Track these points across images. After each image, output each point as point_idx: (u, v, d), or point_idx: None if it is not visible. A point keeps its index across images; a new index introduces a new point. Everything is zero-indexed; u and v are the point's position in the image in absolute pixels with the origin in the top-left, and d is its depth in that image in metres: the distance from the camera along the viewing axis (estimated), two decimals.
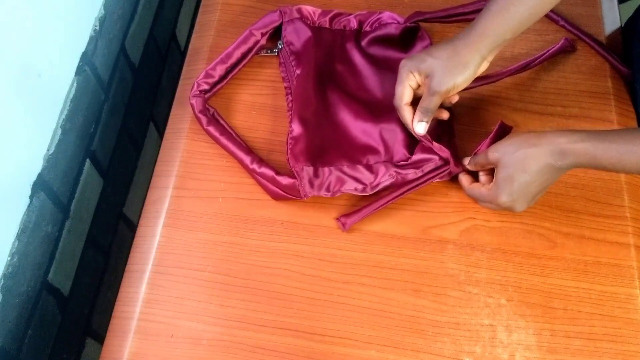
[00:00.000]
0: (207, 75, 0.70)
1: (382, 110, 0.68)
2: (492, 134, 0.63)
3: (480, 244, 0.64)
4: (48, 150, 0.59)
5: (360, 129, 0.67)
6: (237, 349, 0.58)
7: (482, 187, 0.62)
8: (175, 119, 0.72)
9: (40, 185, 0.58)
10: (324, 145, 0.66)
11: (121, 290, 0.62)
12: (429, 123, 0.63)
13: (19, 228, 0.55)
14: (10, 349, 0.55)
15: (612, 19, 0.79)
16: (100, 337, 0.75)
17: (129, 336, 0.59)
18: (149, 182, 0.68)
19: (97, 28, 0.68)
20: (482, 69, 0.62)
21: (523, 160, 0.57)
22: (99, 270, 0.75)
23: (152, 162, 0.69)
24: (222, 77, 0.71)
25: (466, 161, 0.64)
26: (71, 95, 0.63)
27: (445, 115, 0.66)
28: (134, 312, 0.60)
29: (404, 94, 0.64)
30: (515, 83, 0.73)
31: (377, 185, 0.64)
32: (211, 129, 0.67)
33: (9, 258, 0.54)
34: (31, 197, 0.57)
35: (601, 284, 0.62)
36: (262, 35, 0.73)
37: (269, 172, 0.64)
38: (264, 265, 0.62)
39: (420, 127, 0.63)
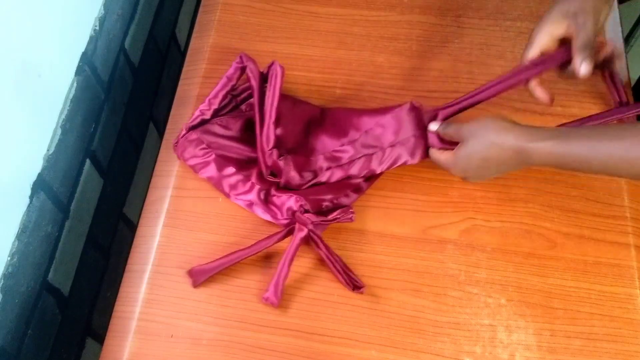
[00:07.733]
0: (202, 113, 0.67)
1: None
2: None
3: (480, 244, 0.64)
4: (48, 150, 0.59)
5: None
6: (237, 349, 0.58)
7: (442, 154, 0.62)
8: (175, 119, 0.72)
9: (40, 185, 0.58)
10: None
11: (121, 290, 0.62)
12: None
13: (19, 228, 0.55)
14: (10, 349, 0.55)
15: (612, 19, 0.79)
16: (100, 337, 0.75)
17: (129, 336, 0.59)
18: (149, 182, 0.68)
19: (97, 28, 0.68)
20: (605, 13, 0.59)
21: (488, 147, 0.56)
22: (99, 270, 0.75)
23: (152, 162, 0.69)
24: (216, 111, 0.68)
25: (434, 126, 0.63)
26: (71, 95, 0.63)
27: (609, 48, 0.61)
28: (134, 312, 0.60)
29: (534, 50, 0.60)
30: None
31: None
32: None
33: (9, 258, 0.54)
34: (31, 197, 0.57)
35: (601, 284, 0.62)
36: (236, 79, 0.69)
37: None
38: (264, 265, 0.62)
39: (585, 67, 0.57)
